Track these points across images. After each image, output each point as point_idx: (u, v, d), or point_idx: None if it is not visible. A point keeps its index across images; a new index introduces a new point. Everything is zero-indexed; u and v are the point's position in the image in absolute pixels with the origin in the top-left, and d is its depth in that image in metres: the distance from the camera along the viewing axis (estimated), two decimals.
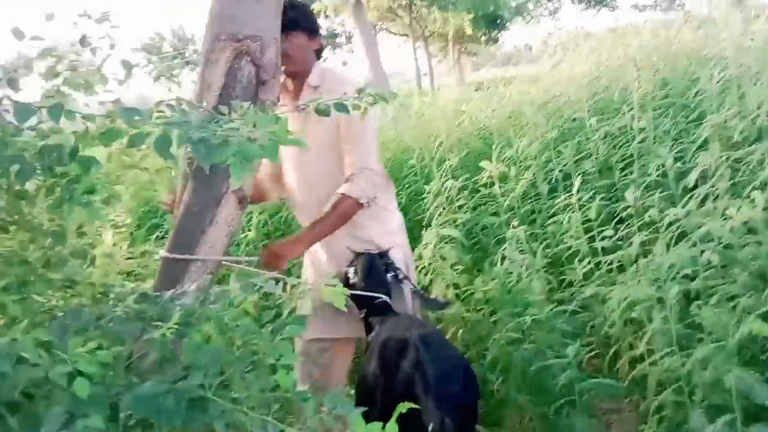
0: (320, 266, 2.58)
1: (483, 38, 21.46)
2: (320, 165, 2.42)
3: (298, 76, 2.48)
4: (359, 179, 2.30)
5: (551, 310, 2.28)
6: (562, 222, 3.00)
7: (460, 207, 3.77)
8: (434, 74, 22.28)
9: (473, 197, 3.80)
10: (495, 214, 3.72)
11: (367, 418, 1.83)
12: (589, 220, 2.95)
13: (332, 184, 2.37)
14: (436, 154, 4.03)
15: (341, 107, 1.81)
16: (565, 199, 2.92)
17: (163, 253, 2.40)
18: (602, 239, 2.72)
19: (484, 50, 25.15)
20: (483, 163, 3.55)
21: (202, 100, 2.28)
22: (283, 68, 2.29)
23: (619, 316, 2.33)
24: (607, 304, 2.35)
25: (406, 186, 4.54)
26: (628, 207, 2.77)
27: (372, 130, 2.40)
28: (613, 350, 2.42)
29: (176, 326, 1.37)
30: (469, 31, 19.43)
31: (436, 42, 23.08)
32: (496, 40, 22.53)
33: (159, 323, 1.39)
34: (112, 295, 1.70)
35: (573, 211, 2.89)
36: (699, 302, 2.05)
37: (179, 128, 1.13)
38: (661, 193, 2.91)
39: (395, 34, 22.76)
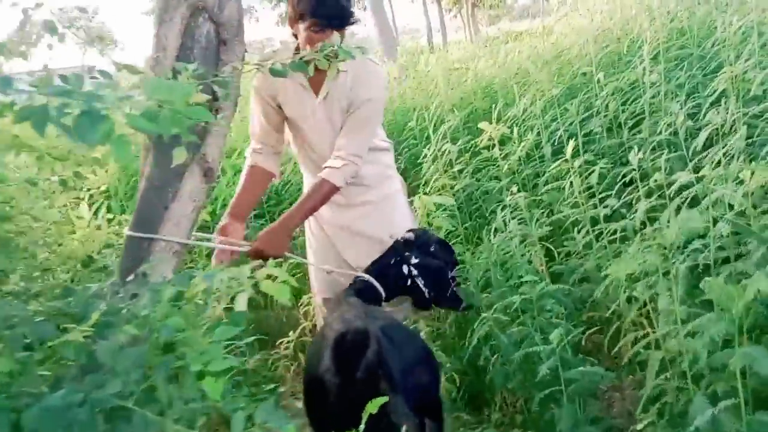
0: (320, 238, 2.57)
1: None
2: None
3: None
4: (346, 167, 2.27)
5: (543, 288, 2.07)
6: (561, 188, 2.77)
7: (460, 171, 3.56)
8: (447, 30, 21.62)
9: (473, 161, 3.58)
10: (496, 178, 3.51)
11: (321, 423, 1.64)
12: (592, 186, 2.73)
13: None
14: (434, 115, 3.79)
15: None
16: (565, 162, 2.68)
17: (126, 230, 2.25)
18: (604, 207, 2.49)
19: (500, 3, 24.31)
20: (482, 124, 3.31)
21: (158, 62, 2.09)
22: None
23: (621, 291, 2.13)
24: (608, 278, 2.14)
25: (405, 150, 4.32)
26: (633, 170, 2.54)
27: (378, 119, 2.40)
28: (614, 327, 2.22)
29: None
30: None
31: None
32: None
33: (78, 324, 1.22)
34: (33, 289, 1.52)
35: (575, 176, 2.66)
36: (708, 278, 1.83)
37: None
38: (671, 153, 2.67)
39: None
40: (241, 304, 1.32)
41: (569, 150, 2.63)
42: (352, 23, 2.22)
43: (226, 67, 2.08)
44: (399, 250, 2.36)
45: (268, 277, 1.75)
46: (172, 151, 2.13)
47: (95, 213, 2.76)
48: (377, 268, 2.35)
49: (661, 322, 1.90)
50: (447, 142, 3.56)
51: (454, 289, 2.26)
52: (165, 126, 0.94)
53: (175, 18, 2.02)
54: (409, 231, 2.38)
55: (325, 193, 2.28)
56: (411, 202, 2.93)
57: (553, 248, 2.87)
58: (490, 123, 3.32)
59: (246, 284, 1.36)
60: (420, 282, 2.31)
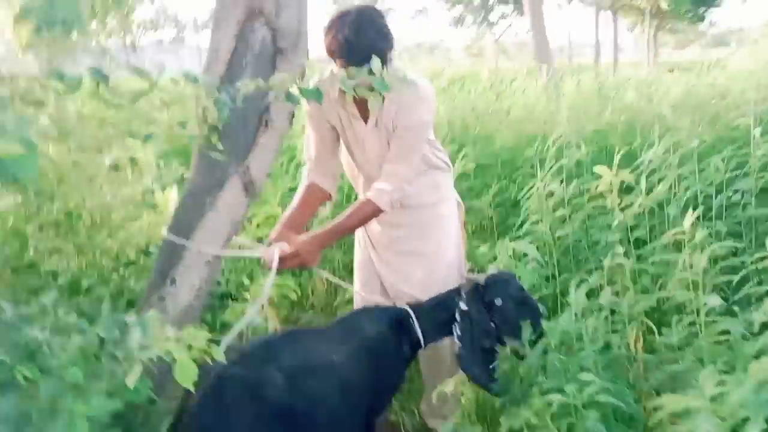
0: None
1: (687, 14, 18.86)
2: None
3: None
4: (395, 193, 2.23)
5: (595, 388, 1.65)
6: (670, 263, 2.28)
7: (568, 218, 3.13)
8: (621, 50, 20.16)
9: (584, 208, 3.12)
10: (608, 227, 3.02)
11: None
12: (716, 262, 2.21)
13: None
14: (547, 148, 3.37)
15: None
16: (682, 234, 2.19)
17: (164, 232, 2.17)
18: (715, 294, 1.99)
19: (690, 28, 22.19)
20: (597, 168, 2.87)
21: (209, 66, 1.96)
22: None
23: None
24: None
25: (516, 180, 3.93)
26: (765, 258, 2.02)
27: (424, 140, 2.31)
28: None
29: None
30: (664, 5, 17.06)
31: (628, 15, 20.73)
32: (702, 18, 19.69)
33: None
34: None
35: (690, 251, 2.16)
36: None
37: None
38: None
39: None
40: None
41: (688, 220, 2.14)
42: (385, 54, 2.05)
43: (279, 77, 1.87)
44: (459, 290, 2.10)
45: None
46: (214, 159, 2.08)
47: None
48: (429, 304, 2.13)
49: None
50: (561, 180, 3.16)
51: (493, 365, 1.94)
52: None
53: (230, 21, 1.87)
54: (492, 273, 2.14)
55: (368, 213, 2.24)
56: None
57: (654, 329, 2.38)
58: (610, 166, 2.86)
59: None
60: (457, 332, 2.02)
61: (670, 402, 1.26)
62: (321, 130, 2.35)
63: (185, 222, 2.09)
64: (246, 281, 2.61)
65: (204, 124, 1.97)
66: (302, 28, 1.91)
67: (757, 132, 2.80)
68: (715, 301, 1.92)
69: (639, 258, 2.74)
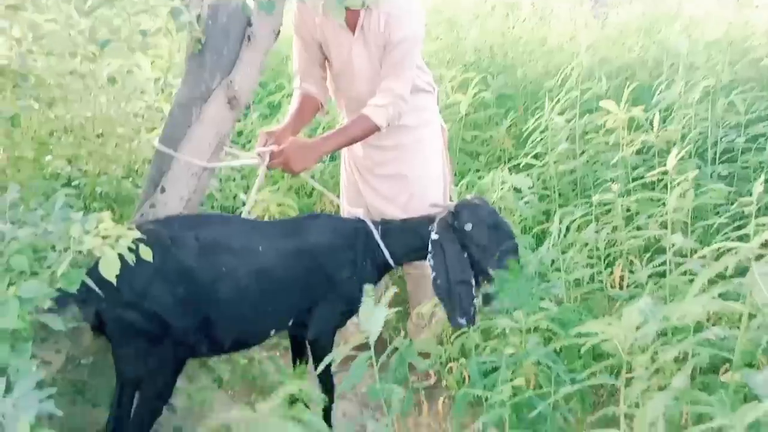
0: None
1: None
2: (374, 84, 2.30)
3: None
4: (390, 108, 2.24)
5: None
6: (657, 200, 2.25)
7: (577, 153, 3.07)
8: None
9: (589, 145, 3.07)
10: (612, 167, 2.97)
11: None
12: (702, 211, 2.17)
13: None
14: (565, 78, 3.28)
15: None
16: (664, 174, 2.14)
17: (155, 142, 2.25)
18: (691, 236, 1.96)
19: None
20: (603, 103, 2.79)
21: None
22: None
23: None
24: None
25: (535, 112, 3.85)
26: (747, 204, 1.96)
27: (417, 57, 2.33)
28: None
29: None
30: None
31: None
32: None
33: None
34: None
35: (672, 192, 2.12)
36: None
37: None
38: None
39: None
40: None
41: (671, 160, 2.09)
42: None
43: None
44: (432, 219, 2.11)
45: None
46: (201, 72, 2.12)
47: None
48: (398, 224, 2.17)
49: None
50: (573, 111, 3.09)
51: (470, 298, 1.95)
52: None
53: None
54: (464, 201, 2.13)
55: (365, 129, 2.24)
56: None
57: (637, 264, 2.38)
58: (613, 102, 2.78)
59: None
60: (430, 261, 2.05)
61: (588, 328, 1.29)
62: (306, 42, 2.35)
63: (173, 133, 2.16)
64: (242, 196, 2.70)
65: (190, 38, 2.01)
66: None
67: None
68: (680, 240, 1.90)
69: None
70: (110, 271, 1.19)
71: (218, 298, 1.81)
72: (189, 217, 2.06)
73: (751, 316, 1.35)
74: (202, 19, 1.96)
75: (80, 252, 1.20)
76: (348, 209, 2.52)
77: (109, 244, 1.20)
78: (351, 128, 2.25)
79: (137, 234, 1.27)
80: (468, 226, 2.03)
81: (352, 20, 2.23)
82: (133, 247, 1.26)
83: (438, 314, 2.46)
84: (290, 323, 2.03)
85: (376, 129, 2.24)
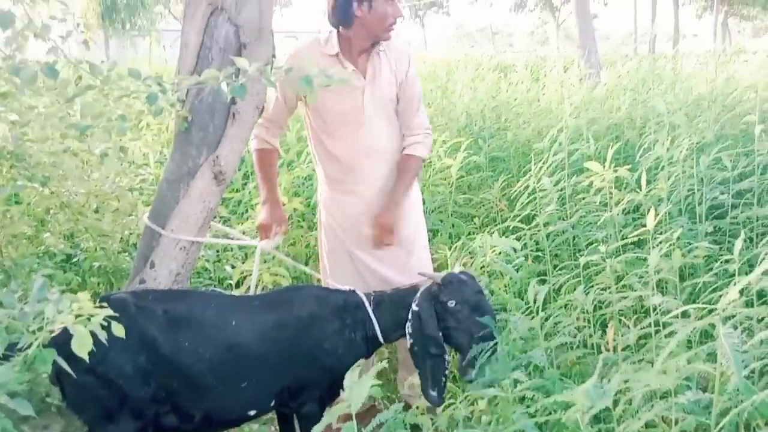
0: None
1: None
2: (388, 126, 2.43)
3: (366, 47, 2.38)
4: (427, 140, 2.46)
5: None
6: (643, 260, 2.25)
7: (566, 215, 3.10)
8: (696, 38, 19.27)
9: (578, 205, 3.09)
10: (600, 227, 2.99)
11: None
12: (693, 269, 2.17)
13: (396, 145, 2.46)
14: (554, 140, 3.34)
15: None
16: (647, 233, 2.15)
17: (144, 218, 2.30)
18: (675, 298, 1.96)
19: (766, 14, 20.94)
20: (588, 164, 2.84)
21: (182, 59, 2.06)
22: (392, 32, 2.34)
23: None
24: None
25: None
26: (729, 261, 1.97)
27: None
28: None
29: None
30: None
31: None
32: None
33: None
34: None
35: (654, 251, 2.12)
36: None
37: None
38: None
39: None
40: None
41: (651, 219, 2.11)
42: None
43: (251, 70, 1.95)
44: (417, 289, 2.11)
45: None
46: (188, 148, 2.19)
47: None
48: (389, 296, 2.14)
49: None
50: (563, 172, 3.13)
51: (442, 372, 1.94)
52: None
53: (196, 15, 1.97)
54: (452, 275, 2.12)
55: (418, 166, 2.46)
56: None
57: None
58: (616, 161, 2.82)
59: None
60: (408, 330, 2.03)
61: (565, 397, 1.28)
62: (284, 96, 2.40)
63: (162, 208, 2.21)
64: (229, 269, 2.72)
65: (177, 116, 2.09)
66: (264, 24, 1.99)
67: (758, 129, 2.70)
68: (658, 300, 1.89)
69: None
70: (82, 348, 1.21)
71: (182, 371, 1.80)
72: (167, 291, 2.09)
73: (727, 378, 1.33)
74: (189, 99, 2.04)
75: (52, 332, 1.22)
76: (332, 283, 2.46)
77: (81, 321, 1.22)
78: (408, 174, 2.41)
79: (109, 311, 1.29)
80: (451, 303, 2.02)
81: (360, 66, 2.36)
82: (105, 324, 1.28)
83: None
84: (273, 403, 1.98)
85: (422, 162, 2.46)
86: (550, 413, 1.60)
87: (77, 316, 1.23)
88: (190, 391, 1.81)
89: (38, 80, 1.45)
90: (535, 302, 2.22)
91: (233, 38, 1.98)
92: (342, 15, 2.25)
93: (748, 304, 1.85)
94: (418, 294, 2.08)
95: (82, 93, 1.48)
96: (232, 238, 2.51)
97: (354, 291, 2.13)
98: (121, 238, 3.07)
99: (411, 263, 2.45)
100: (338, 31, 2.33)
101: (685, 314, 2.00)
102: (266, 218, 2.41)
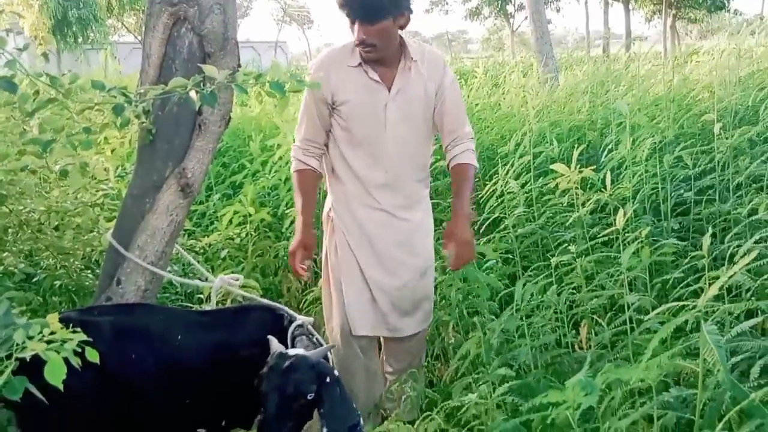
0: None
1: (705, 2, 18.47)
2: (418, 137, 2.38)
3: (388, 59, 2.29)
4: (473, 147, 2.41)
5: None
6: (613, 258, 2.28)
7: (534, 217, 3.12)
8: (644, 40, 19.86)
9: (546, 207, 3.13)
10: (568, 228, 3.03)
11: None
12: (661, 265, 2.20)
13: (425, 156, 2.46)
14: (516, 146, 3.37)
15: None
16: (617, 231, 2.19)
17: (108, 236, 2.22)
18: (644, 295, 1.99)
19: (711, 17, 21.68)
20: (555, 166, 2.87)
21: (144, 70, 2.01)
22: (369, 55, 2.22)
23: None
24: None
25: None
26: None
27: None
28: None
29: None
30: None
31: (643, 4, 20.39)
32: (721, 7, 19.26)
33: None
34: None
35: (624, 249, 2.15)
36: None
37: None
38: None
39: None
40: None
41: (620, 218, 2.14)
42: (388, 15, 2.14)
43: (220, 77, 1.90)
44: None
45: None
46: (153, 161, 2.14)
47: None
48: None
49: None
50: (528, 175, 3.16)
51: None
52: None
53: (158, 26, 1.92)
54: (280, 353, 1.72)
55: (474, 174, 2.41)
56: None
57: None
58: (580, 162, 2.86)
59: None
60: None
61: (549, 398, 1.28)
62: (320, 105, 2.30)
63: (127, 224, 2.15)
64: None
65: (140, 129, 2.04)
66: (229, 33, 1.95)
67: (717, 127, 2.77)
68: (633, 299, 1.92)
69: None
70: (56, 376, 1.15)
71: (130, 386, 1.74)
72: (115, 305, 2.04)
73: (709, 374, 1.35)
74: (153, 110, 1.99)
75: (23, 359, 1.16)
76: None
77: (54, 348, 1.16)
78: (470, 183, 2.37)
79: (83, 337, 1.23)
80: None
81: (387, 78, 2.27)
82: (79, 350, 1.22)
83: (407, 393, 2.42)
84: (223, 423, 1.89)
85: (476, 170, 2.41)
86: (537, 412, 1.60)
87: (49, 342, 1.17)
88: (140, 407, 1.76)
89: None
90: (515, 303, 2.24)
91: (197, 48, 1.94)
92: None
93: (718, 298, 1.88)
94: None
95: (43, 107, 1.42)
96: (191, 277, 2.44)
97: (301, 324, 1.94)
98: (83, 255, 2.97)
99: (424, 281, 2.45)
100: None
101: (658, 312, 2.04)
102: (294, 245, 2.34)
